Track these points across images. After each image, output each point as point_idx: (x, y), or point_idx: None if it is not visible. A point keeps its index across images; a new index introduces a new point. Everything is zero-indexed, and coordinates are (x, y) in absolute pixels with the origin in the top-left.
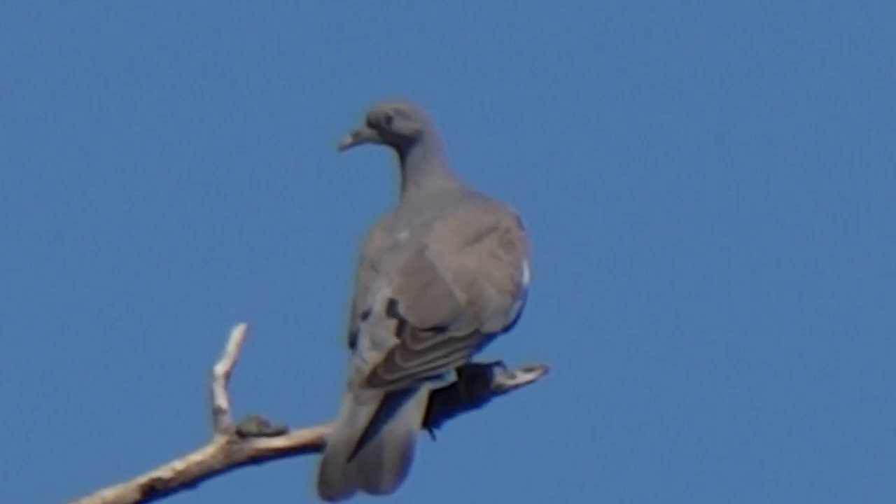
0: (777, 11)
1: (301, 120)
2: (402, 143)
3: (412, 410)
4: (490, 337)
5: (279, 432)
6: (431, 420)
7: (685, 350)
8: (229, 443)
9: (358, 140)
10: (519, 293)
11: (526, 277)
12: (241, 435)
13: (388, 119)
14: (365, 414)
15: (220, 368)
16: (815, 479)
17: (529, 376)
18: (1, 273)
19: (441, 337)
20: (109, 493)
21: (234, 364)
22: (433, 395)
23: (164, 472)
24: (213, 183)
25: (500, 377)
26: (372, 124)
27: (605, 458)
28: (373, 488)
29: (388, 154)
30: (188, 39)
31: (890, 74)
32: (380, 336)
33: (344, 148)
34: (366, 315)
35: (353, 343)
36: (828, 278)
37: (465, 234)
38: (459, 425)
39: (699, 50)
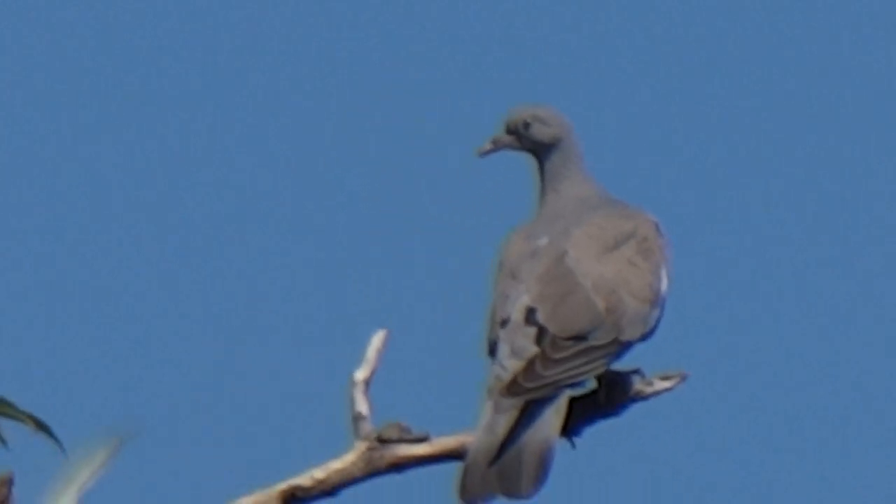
0: (777, 11)
1: (443, 124)
2: (541, 150)
3: (552, 418)
4: (629, 345)
5: (421, 439)
6: (571, 428)
7: (824, 357)
8: (370, 449)
9: (497, 146)
10: (657, 301)
11: (664, 285)
12: (382, 441)
13: (527, 125)
14: (505, 421)
15: (360, 375)
16: None
17: (667, 384)
18: (138, 281)
19: (581, 345)
20: (248, 500)
21: (374, 371)
22: (573, 402)
23: (304, 479)
24: (350, 190)
25: (638, 385)
26: (510, 131)
27: (744, 464)
28: (512, 494)
29: (529, 161)
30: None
31: (890, 74)
32: (519, 344)
33: (483, 154)
34: (504, 323)
35: (492, 351)
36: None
37: (604, 241)
38: (598, 432)
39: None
